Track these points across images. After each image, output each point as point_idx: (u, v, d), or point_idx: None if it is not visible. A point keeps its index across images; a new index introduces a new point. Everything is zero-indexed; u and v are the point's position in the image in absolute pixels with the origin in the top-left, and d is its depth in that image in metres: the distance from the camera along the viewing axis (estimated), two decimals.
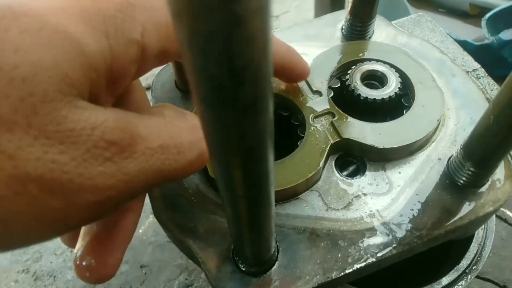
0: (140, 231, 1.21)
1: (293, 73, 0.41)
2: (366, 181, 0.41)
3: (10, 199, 0.20)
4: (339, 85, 0.47)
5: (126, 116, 0.24)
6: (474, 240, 0.58)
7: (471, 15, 1.56)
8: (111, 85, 0.25)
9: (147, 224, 1.21)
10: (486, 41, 1.33)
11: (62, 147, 0.21)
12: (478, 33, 1.43)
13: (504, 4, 1.40)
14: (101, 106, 0.24)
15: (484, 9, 1.50)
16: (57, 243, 1.14)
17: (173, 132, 0.26)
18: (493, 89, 0.50)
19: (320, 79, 0.47)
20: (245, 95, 0.16)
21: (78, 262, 0.30)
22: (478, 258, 0.58)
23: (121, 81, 0.25)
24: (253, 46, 0.14)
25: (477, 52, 1.33)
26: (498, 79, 0.52)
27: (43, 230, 0.22)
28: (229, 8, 0.12)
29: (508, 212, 1.21)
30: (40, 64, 0.20)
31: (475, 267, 0.57)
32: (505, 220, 1.20)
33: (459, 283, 0.56)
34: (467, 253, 0.58)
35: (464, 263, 0.57)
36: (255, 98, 0.17)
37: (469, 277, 0.57)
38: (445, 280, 0.56)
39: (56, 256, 1.16)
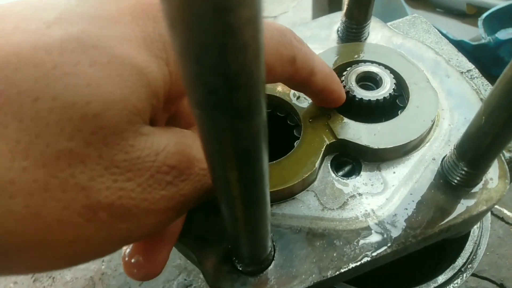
0: None
1: (330, 97, 0.40)
2: (361, 181, 0.42)
3: (83, 226, 0.21)
4: None
5: (182, 137, 0.25)
6: (470, 238, 0.59)
7: (468, 15, 1.57)
8: (167, 105, 0.26)
9: None
10: (483, 41, 1.34)
11: (130, 175, 0.22)
12: (475, 33, 1.43)
13: (501, 4, 1.41)
14: (157, 125, 0.25)
15: (481, 9, 1.50)
16: None
17: None
18: (487, 89, 0.51)
19: None
20: (238, 100, 0.17)
21: (127, 259, 0.31)
22: (474, 257, 0.58)
23: (176, 102, 0.26)
24: (246, 53, 0.15)
25: (474, 51, 1.34)
26: (495, 78, 0.53)
27: (111, 247, 0.23)
28: (222, 18, 0.13)
29: (505, 211, 1.22)
30: (111, 98, 0.21)
31: (470, 265, 0.58)
32: (502, 219, 1.21)
33: (455, 282, 0.56)
34: (463, 251, 0.58)
35: (460, 261, 0.58)
36: (248, 102, 0.17)
37: (464, 275, 0.57)
38: (441, 279, 0.56)
39: None
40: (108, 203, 0.21)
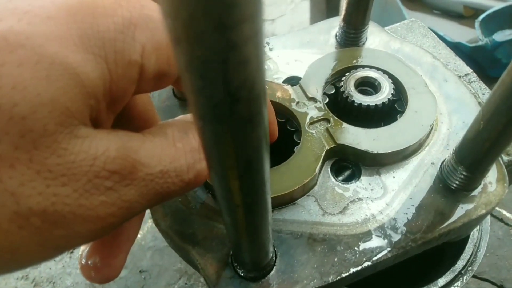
0: (139, 236, 1.21)
1: None
2: (361, 186, 0.42)
3: (14, 232, 0.20)
4: (333, 91, 0.48)
5: (128, 141, 0.24)
6: (469, 241, 0.59)
7: (465, 17, 1.58)
8: (110, 106, 0.25)
9: (146, 229, 1.22)
10: (480, 43, 1.35)
11: (64, 179, 0.21)
12: (472, 35, 1.44)
13: (498, 6, 1.42)
14: (102, 127, 0.24)
15: (478, 11, 1.51)
16: None
17: (174, 156, 0.26)
18: (485, 93, 0.51)
19: (315, 86, 0.47)
20: (241, 112, 0.17)
21: (83, 262, 0.31)
22: (474, 259, 0.58)
23: (120, 101, 0.25)
24: (247, 68, 0.15)
25: (472, 53, 1.34)
26: (493, 80, 0.53)
27: (47, 254, 0.23)
28: (225, 35, 0.13)
29: (504, 212, 1.22)
30: (39, 100, 0.20)
31: (470, 268, 0.58)
32: (501, 220, 1.21)
33: (455, 284, 0.57)
34: (463, 254, 0.59)
35: (460, 264, 0.58)
36: (250, 114, 0.17)
37: (465, 278, 0.57)
38: (441, 281, 0.57)
39: (55, 262, 1.16)
40: (40, 209, 0.20)
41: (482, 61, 1.36)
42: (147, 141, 0.25)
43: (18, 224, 0.20)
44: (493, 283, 1.13)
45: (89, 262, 0.30)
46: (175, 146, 0.26)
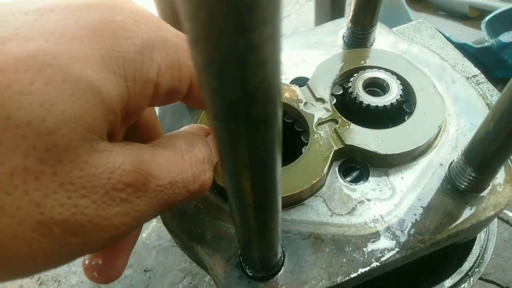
0: (144, 235, 1.21)
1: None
2: (369, 187, 0.42)
3: (37, 240, 0.21)
4: (341, 92, 0.48)
5: (140, 154, 0.26)
6: (476, 242, 0.59)
7: (471, 18, 1.57)
8: (125, 119, 0.26)
9: (151, 228, 1.22)
10: (486, 44, 1.34)
11: (84, 191, 0.22)
12: (478, 36, 1.44)
13: (504, 7, 1.41)
14: (115, 139, 0.26)
15: (483, 12, 1.50)
16: None
17: (181, 167, 0.28)
18: (493, 94, 0.51)
19: (323, 87, 0.47)
20: (257, 113, 0.17)
21: (87, 263, 0.32)
22: (481, 261, 0.58)
23: (134, 115, 0.27)
24: (265, 69, 0.15)
25: (477, 54, 1.34)
26: (498, 81, 0.53)
27: (63, 260, 0.24)
28: (244, 37, 0.13)
29: (510, 214, 1.22)
30: (65, 117, 0.21)
31: (477, 269, 0.58)
32: (507, 222, 1.21)
33: (462, 286, 0.56)
34: (470, 255, 0.58)
35: (467, 265, 0.58)
36: (266, 115, 0.17)
37: (471, 279, 0.57)
38: (448, 283, 0.56)
39: None
40: (62, 219, 0.22)
41: (487, 62, 1.35)
42: (157, 154, 0.27)
43: (41, 233, 0.21)
44: (499, 285, 1.12)
45: (92, 263, 0.32)
46: (183, 158, 0.28)
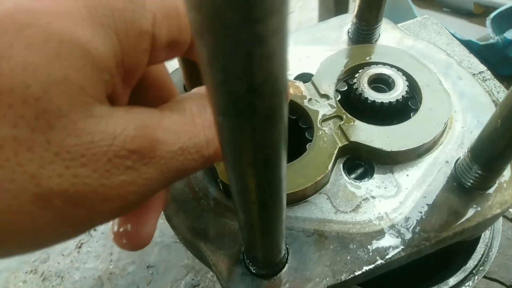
0: None
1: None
2: (374, 184, 0.42)
3: (37, 214, 0.20)
4: (346, 88, 0.48)
5: (146, 119, 0.24)
6: (481, 241, 0.59)
7: (476, 15, 1.56)
8: (125, 79, 0.24)
9: None
10: (491, 41, 1.33)
11: (83, 160, 0.21)
12: (483, 33, 1.42)
13: (509, 3, 1.40)
14: (118, 102, 0.24)
15: (488, 8, 1.49)
16: (64, 244, 1.16)
17: (193, 132, 0.26)
18: (500, 91, 0.50)
19: (328, 83, 0.47)
20: (262, 107, 0.17)
21: (115, 229, 0.30)
22: (485, 259, 0.58)
23: (134, 73, 0.25)
24: (272, 62, 0.15)
25: (482, 51, 1.33)
26: (503, 78, 0.53)
27: (70, 233, 0.23)
28: (251, 28, 0.13)
29: None
30: (50, 80, 0.20)
31: (482, 267, 0.58)
32: (511, 220, 1.20)
33: (466, 284, 0.56)
34: (474, 253, 0.58)
35: (471, 263, 0.57)
36: (272, 110, 0.17)
37: (476, 277, 0.57)
38: (452, 281, 0.56)
39: (64, 256, 1.17)
40: (61, 190, 0.20)
41: (492, 60, 1.34)
42: (165, 118, 0.25)
43: (40, 205, 0.20)
44: (502, 283, 1.12)
45: (121, 230, 0.30)
46: (194, 122, 0.26)
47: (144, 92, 0.30)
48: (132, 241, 0.30)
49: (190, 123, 0.26)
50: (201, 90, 0.30)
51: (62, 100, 0.20)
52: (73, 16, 0.21)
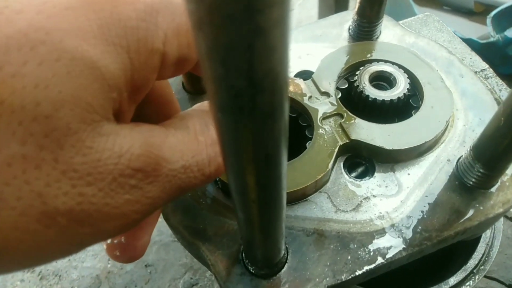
0: None
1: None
2: (375, 183, 0.41)
3: (42, 232, 0.20)
4: (346, 86, 0.47)
5: (151, 137, 0.24)
6: (482, 240, 0.58)
7: (476, 13, 1.55)
8: (132, 95, 0.24)
9: None
10: (491, 39, 1.32)
11: (90, 179, 0.21)
12: (483, 31, 1.42)
13: (510, 2, 1.39)
14: (124, 118, 0.24)
15: (489, 7, 1.49)
16: None
17: (196, 150, 0.26)
18: (502, 89, 0.50)
19: (328, 80, 0.46)
20: (263, 104, 0.16)
21: (109, 241, 0.31)
22: (486, 258, 0.57)
23: (142, 90, 0.25)
24: (273, 56, 0.14)
25: (482, 50, 1.32)
26: (504, 77, 0.52)
27: (72, 250, 0.23)
28: (253, 19, 0.12)
29: None
30: (61, 98, 0.20)
31: (483, 267, 0.57)
32: (510, 219, 1.20)
33: (467, 283, 0.56)
34: (475, 253, 0.58)
35: (472, 263, 0.57)
36: (272, 106, 0.17)
37: (476, 277, 0.57)
38: (453, 280, 0.56)
39: None
40: (67, 208, 0.20)
41: (493, 58, 1.33)
42: (169, 136, 0.25)
43: (45, 224, 0.20)
44: (502, 283, 1.11)
45: (114, 241, 0.30)
46: (197, 140, 0.26)
47: (147, 107, 0.30)
48: (126, 253, 0.31)
49: (193, 141, 0.26)
50: (203, 106, 0.30)
51: (71, 118, 0.20)
52: (85, 34, 0.21)
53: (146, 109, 0.30)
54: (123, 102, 0.23)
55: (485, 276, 1.10)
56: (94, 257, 1.14)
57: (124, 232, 0.25)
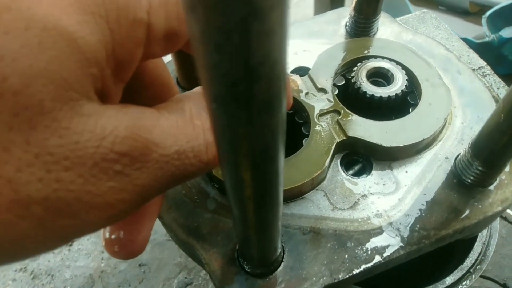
0: None
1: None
2: (372, 181, 0.41)
3: (14, 223, 0.18)
4: (343, 82, 0.47)
5: (140, 119, 0.22)
6: (478, 239, 0.58)
7: (471, 13, 1.56)
8: (117, 73, 0.22)
9: None
10: (486, 39, 1.33)
11: (67, 163, 0.19)
12: (479, 31, 1.42)
13: (504, 2, 1.40)
14: (110, 99, 0.22)
15: (484, 7, 1.49)
16: None
17: (191, 134, 0.23)
18: (499, 87, 0.49)
19: (325, 77, 0.46)
20: (260, 93, 0.15)
21: (107, 235, 0.28)
22: (483, 258, 0.57)
23: (127, 67, 0.22)
24: (271, 40, 0.13)
25: (478, 50, 1.32)
26: (499, 77, 0.52)
27: (54, 243, 0.21)
28: (249, 0, 0.12)
29: (508, 210, 1.21)
30: (31, 72, 0.17)
31: (479, 266, 0.57)
32: (505, 218, 1.20)
33: (463, 283, 0.55)
34: (471, 252, 0.57)
35: (468, 262, 0.56)
36: (270, 96, 0.16)
37: (473, 276, 0.56)
38: (449, 280, 0.55)
39: (54, 254, 1.15)
40: (41, 196, 0.18)
41: (488, 58, 1.34)
42: (162, 119, 0.23)
43: (18, 214, 0.18)
44: (496, 282, 1.11)
45: (113, 237, 0.28)
46: (192, 124, 0.24)
47: (141, 90, 0.28)
48: (125, 249, 0.28)
49: (188, 124, 0.24)
50: (201, 89, 0.28)
51: (44, 95, 0.18)
52: (58, 1, 0.19)
53: (140, 92, 0.27)
54: (106, 80, 0.21)
55: (480, 276, 1.11)
56: (88, 256, 1.13)
57: (112, 224, 0.23)
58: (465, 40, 1.32)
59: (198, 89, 0.28)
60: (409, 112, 0.43)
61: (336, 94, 0.45)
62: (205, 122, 0.24)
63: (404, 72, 0.45)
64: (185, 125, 0.24)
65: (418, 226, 0.38)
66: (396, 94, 0.43)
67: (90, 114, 0.19)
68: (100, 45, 0.20)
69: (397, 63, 0.46)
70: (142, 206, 0.23)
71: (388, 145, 0.40)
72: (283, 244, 0.36)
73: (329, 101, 0.44)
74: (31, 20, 0.18)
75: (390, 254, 0.36)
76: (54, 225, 0.19)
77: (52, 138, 0.18)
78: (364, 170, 0.42)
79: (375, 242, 0.37)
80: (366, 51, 0.48)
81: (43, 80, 0.18)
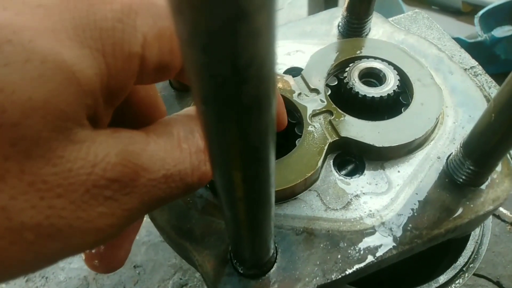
0: None
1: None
2: (365, 181, 0.41)
3: (5, 249, 0.18)
4: (336, 82, 0.47)
5: (129, 144, 0.22)
6: (471, 237, 0.58)
7: (464, 13, 1.57)
8: (108, 100, 0.22)
9: None
10: (479, 39, 1.34)
11: (60, 190, 0.19)
12: (471, 31, 1.43)
13: (497, 2, 1.41)
14: (100, 122, 0.22)
15: (476, 7, 1.50)
16: None
17: (178, 158, 0.24)
18: (491, 86, 0.50)
19: (318, 77, 0.46)
20: (248, 94, 0.15)
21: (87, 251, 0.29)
22: (475, 256, 0.57)
23: (119, 95, 0.23)
24: (258, 42, 0.13)
25: (470, 49, 1.33)
26: (491, 76, 0.52)
27: (42, 265, 0.21)
28: (235, 1, 0.11)
29: (501, 209, 1.22)
30: (30, 105, 0.18)
31: (472, 264, 0.57)
32: (497, 216, 1.21)
33: (457, 281, 0.55)
34: (464, 250, 0.57)
35: (461, 261, 0.57)
36: (258, 97, 0.16)
37: (466, 275, 0.56)
38: (443, 279, 0.55)
39: None
40: (34, 223, 0.19)
41: (480, 58, 1.34)
42: (151, 143, 0.23)
43: (10, 240, 0.18)
44: (489, 280, 1.12)
45: (93, 251, 0.29)
46: (180, 147, 0.24)
47: (129, 110, 0.28)
48: (105, 263, 0.29)
49: (176, 148, 0.24)
50: (189, 111, 0.29)
51: (42, 126, 0.18)
52: (58, 34, 0.19)
53: (128, 112, 0.28)
54: (98, 108, 0.22)
55: (473, 274, 1.11)
56: (82, 258, 1.12)
57: (99, 245, 0.24)
58: (458, 39, 1.33)
59: (185, 111, 0.28)
60: (401, 112, 0.43)
61: (328, 95, 0.45)
62: (192, 145, 0.25)
63: (396, 72, 0.45)
64: (172, 149, 0.24)
65: (410, 225, 0.38)
66: (388, 94, 0.43)
67: (83, 141, 0.20)
68: (96, 78, 0.20)
69: (389, 63, 0.46)
70: (127, 227, 0.24)
71: (381, 145, 0.40)
72: (276, 245, 0.36)
73: (322, 101, 0.44)
74: (32, 53, 0.18)
75: (383, 254, 0.36)
76: (44, 249, 0.20)
77: (46, 167, 0.19)
78: (357, 170, 0.42)
79: (368, 242, 0.37)
80: (358, 52, 0.48)
81: (41, 112, 0.18)
